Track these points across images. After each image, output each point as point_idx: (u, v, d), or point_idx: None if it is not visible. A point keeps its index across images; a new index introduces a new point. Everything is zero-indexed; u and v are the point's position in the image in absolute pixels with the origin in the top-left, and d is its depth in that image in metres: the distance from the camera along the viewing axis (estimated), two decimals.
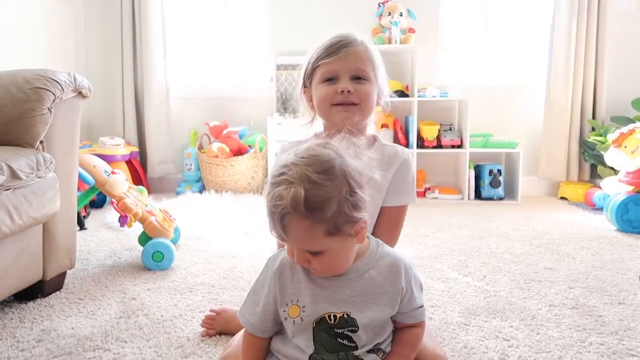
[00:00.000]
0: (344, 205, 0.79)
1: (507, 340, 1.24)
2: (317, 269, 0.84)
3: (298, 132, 1.21)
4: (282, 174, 0.80)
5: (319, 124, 1.21)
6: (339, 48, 1.10)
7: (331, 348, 0.84)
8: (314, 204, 0.76)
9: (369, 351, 0.86)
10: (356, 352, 0.85)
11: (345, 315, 0.85)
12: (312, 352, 0.85)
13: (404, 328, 0.92)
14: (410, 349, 0.91)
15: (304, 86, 1.19)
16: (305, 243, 0.81)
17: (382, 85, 1.16)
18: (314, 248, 0.81)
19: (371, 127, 1.21)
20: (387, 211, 1.13)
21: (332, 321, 0.84)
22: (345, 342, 0.84)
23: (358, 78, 1.11)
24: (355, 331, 0.85)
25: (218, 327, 1.29)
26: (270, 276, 0.89)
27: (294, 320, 0.86)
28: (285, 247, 0.86)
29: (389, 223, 1.13)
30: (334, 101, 1.10)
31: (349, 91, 1.09)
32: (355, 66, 1.10)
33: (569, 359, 1.15)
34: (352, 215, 0.80)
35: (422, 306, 0.91)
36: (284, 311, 0.87)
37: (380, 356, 0.87)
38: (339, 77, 1.10)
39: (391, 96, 1.23)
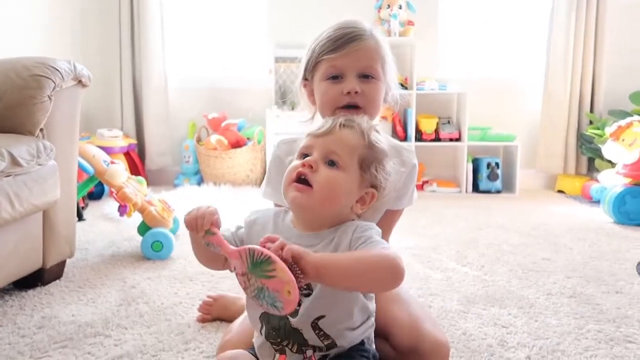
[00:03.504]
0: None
1: (505, 327, 1.26)
2: (317, 183, 0.79)
3: (298, 126, 1.13)
4: None
5: (320, 120, 1.09)
6: (346, 42, 1.00)
7: None
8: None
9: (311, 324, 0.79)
10: (297, 323, 0.79)
11: None
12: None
13: None
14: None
15: (305, 79, 1.10)
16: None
17: (391, 81, 1.08)
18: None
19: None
20: (384, 213, 1.08)
21: None
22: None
23: (366, 76, 1.01)
24: (309, 295, 0.78)
25: (215, 313, 1.30)
26: (245, 224, 0.89)
27: None
28: (295, 160, 0.85)
29: (382, 224, 1.00)
30: (339, 104, 1.01)
31: (356, 92, 0.99)
32: (363, 64, 1.01)
33: (567, 345, 1.16)
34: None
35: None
36: None
37: (322, 337, 0.79)
38: (344, 75, 1.01)
39: (403, 88, 1.17)
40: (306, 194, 0.80)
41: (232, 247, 0.74)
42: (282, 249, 0.68)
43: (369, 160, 0.83)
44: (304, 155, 0.84)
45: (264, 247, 0.69)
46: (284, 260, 0.67)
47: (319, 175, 0.80)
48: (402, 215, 1.15)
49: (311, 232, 0.83)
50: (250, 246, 0.69)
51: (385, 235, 1.09)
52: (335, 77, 1.01)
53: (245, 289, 0.71)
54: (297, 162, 0.83)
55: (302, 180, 0.81)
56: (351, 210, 0.84)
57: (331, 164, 0.81)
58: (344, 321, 0.81)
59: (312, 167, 0.80)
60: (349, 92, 0.99)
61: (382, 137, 0.89)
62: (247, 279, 0.70)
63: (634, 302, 1.42)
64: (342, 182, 0.81)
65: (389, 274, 0.72)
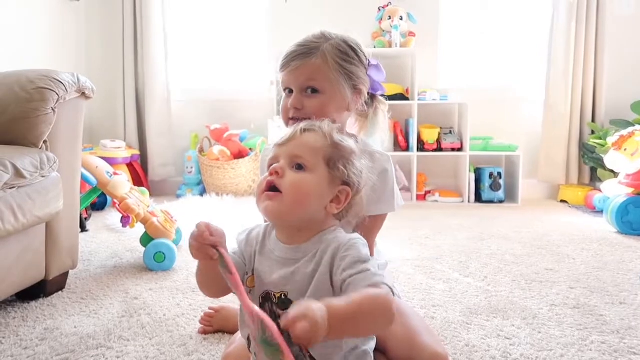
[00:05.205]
0: None
1: (509, 338, 1.25)
2: (285, 187, 0.81)
3: None
4: None
5: None
6: (289, 60, 1.07)
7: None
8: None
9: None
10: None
11: (282, 296, 0.81)
12: None
13: None
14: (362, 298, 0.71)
15: None
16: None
17: (349, 92, 1.08)
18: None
19: (351, 129, 1.16)
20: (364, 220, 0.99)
21: (274, 300, 0.82)
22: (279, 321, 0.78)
23: (314, 91, 1.06)
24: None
25: (216, 324, 1.29)
26: (237, 243, 0.90)
27: (250, 290, 0.85)
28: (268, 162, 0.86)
29: (364, 231, 0.92)
30: (289, 116, 1.08)
31: (295, 107, 1.06)
32: (304, 80, 1.06)
33: (570, 357, 1.15)
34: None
35: (370, 270, 0.76)
36: (245, 279, 0.87)
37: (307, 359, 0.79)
38: (292, 90, 1.08)
39: (383, 96, 1.18)
40: (276, 201, 0.81)
41: (250, 302, 0.68)
42: (295, 334, 0.61)
43: (335, 157, 0.84)
44: (272, 166, 0.85)
45: (283, 327, 0.62)
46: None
47: (285, 180, 0.82)
48: (396, 224, 1.14)
49: (294, 245, 0.84)
50: (264, 317, 0.64)
51: (369, 243, 1.08)
52: (291, 91, 1.08)
53: (257, 353, 0.68)
54: (266, 174, 0.85)
55: (272, 188, 0.82)
56: (326, 212, 0.84)
57: (298, 167, 0.83)
58: (329, 346, 0.79)
59: (278, 173, 0.82)
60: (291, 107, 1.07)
61: (349, 138, 0.90)
62: (260, 349, 0.65)
63: (638, 313, 1.41)
64: (309, 182, 0.82)
65: (386, 321, 0.73)
